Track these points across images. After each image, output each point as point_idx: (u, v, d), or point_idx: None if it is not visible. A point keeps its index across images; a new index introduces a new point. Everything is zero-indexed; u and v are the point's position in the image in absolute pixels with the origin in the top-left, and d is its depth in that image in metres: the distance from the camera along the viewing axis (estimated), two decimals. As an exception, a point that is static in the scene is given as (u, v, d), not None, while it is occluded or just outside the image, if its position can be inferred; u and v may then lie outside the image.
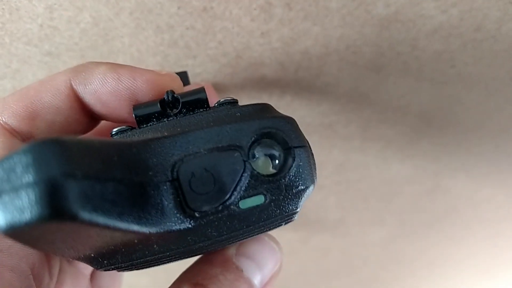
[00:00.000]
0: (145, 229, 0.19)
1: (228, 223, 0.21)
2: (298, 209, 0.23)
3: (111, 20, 0.33)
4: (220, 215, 0.21)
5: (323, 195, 0.60)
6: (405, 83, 0.42)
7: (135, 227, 0.19)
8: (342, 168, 0.55)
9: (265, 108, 0.24)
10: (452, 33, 0.36)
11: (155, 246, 0.21)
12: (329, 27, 0.35)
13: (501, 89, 0.44)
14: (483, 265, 0.87)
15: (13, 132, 0.26)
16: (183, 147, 0.21)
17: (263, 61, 0.38)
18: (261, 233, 0.25)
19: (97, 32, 0.34)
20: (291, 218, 0.24)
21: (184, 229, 0.20)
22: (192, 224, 0.20)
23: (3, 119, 0.26)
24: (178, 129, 0.22)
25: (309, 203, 0.60)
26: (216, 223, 0.21)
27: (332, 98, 0.43)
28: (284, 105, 0.43)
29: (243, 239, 0.25)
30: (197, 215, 0.20)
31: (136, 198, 0.19)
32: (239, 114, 0.23)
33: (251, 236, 0.24)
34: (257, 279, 0.27)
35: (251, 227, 0.22)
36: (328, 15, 0.34)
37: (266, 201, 0.21)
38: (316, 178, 0.23)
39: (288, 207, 0.22)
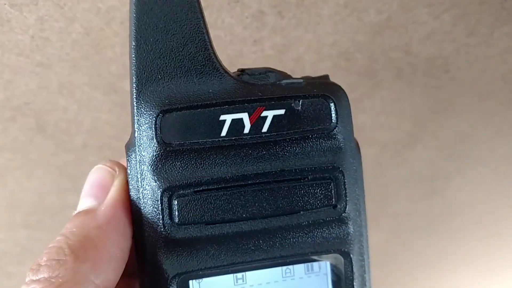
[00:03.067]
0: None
1: (272, 89, 0.24)
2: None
3: (102, 30, 0.33)
4: (265, 80, 0.24)
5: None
6: (399, 88, 0.42)
7: None
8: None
9: None
10: (445, 39, 0.36)
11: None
12: (321, 34, 0.35)
13: (495, 93, 0.44)
14: (479, 266, 0.87)
15: None
16: None
17: (256, 69, 0.38)
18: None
19: (89, 42, 0.34)
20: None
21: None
22: (242, 80, 0.24)
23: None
24: None
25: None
26: (263, 86, 0.24)
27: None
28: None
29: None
30: (247, 75, 0.24)
31: None
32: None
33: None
34: None
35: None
36: (320, 22, 0.34)
37: (304, 82, 0.24)
38: None
39: (320, 89, 0.24)
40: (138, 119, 0.22)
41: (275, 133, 0.23)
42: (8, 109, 0.40)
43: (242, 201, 0.23)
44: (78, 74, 0.37)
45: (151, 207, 0.23)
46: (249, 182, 0.23)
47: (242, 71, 0.25)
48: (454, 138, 0.51)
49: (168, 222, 0.23)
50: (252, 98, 0.23)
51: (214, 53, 0.23)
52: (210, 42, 0.23)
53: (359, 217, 0.26)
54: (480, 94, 0.44)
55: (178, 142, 0.22)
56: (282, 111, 0.23)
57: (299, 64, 0.38)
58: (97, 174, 0.24)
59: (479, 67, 0.40)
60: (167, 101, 0.22)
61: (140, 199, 0.23)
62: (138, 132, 0.23)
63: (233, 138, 0.23)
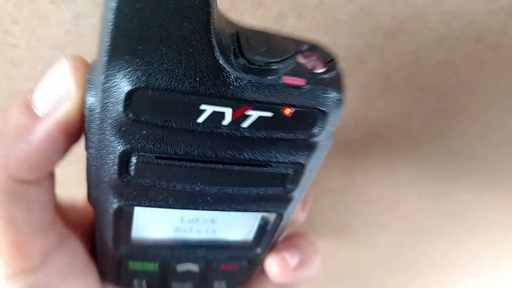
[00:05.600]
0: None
1: (266, 91, 0.21)
2: (321, 128, 0.23)
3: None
4: (263, 77, 0.21)
5: (331, 198, 0.62)
6: (410, 91, 0.44)
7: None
8: (349, 172, 0.57)
9: None
10: (454, 45, 0.38)
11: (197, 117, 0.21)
12: (338, 37, 0.37)
13: (503, 98, 0.46)
14: (488, 268, 0.88)
15: None
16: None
17: (275, 68, 0.39)
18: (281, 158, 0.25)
19: (120, 38, 0.36)
20: (313, 139, 0.24)
21: (233, 76, 0.20)
22: (238, 73, 0.21)
23: None
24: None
25: (316, 206, 0.62)
26: (257, 86, 0.21)
27: (340, 104, 0.45)
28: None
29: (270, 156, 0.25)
30: (246, 63, 0.21)
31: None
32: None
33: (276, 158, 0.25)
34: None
35: (281, 122, 0.22)
36: (337, 25, 0.36)
37: (305, 88, 0.22)
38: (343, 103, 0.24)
39: (318, 100, 0.22)
40: (106, 81, 0.20)
41: (254, 130, 0.22)
42: (41, 99, 0.42)
43: (201, 173, 0.24)
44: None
45: (106, 159, 0.23)
46: (212, 161, 0.23)
47: (239, 47, 0.21)
48: (463, 141, 0.53)
49: (122, 174, 0.23)
50: (242, 98, 0.21)
51: (215, 33, 0.20)
52: (212, 19, 0.19)
53: (300, 196, 0.28)
54: (488, 99, 0.46)
55: (147, 118, 0.21)
56: (269, 114, 0.22)
57: (315, 65, 0.39)
58: (56, 81, 0.22)
59: (487, 73, 0.42)
60: (144, 78, 0.20)
61: (93, 143, 0.22)
62: (105, 90, 0.20)
63: (209, 126, 0.22)
